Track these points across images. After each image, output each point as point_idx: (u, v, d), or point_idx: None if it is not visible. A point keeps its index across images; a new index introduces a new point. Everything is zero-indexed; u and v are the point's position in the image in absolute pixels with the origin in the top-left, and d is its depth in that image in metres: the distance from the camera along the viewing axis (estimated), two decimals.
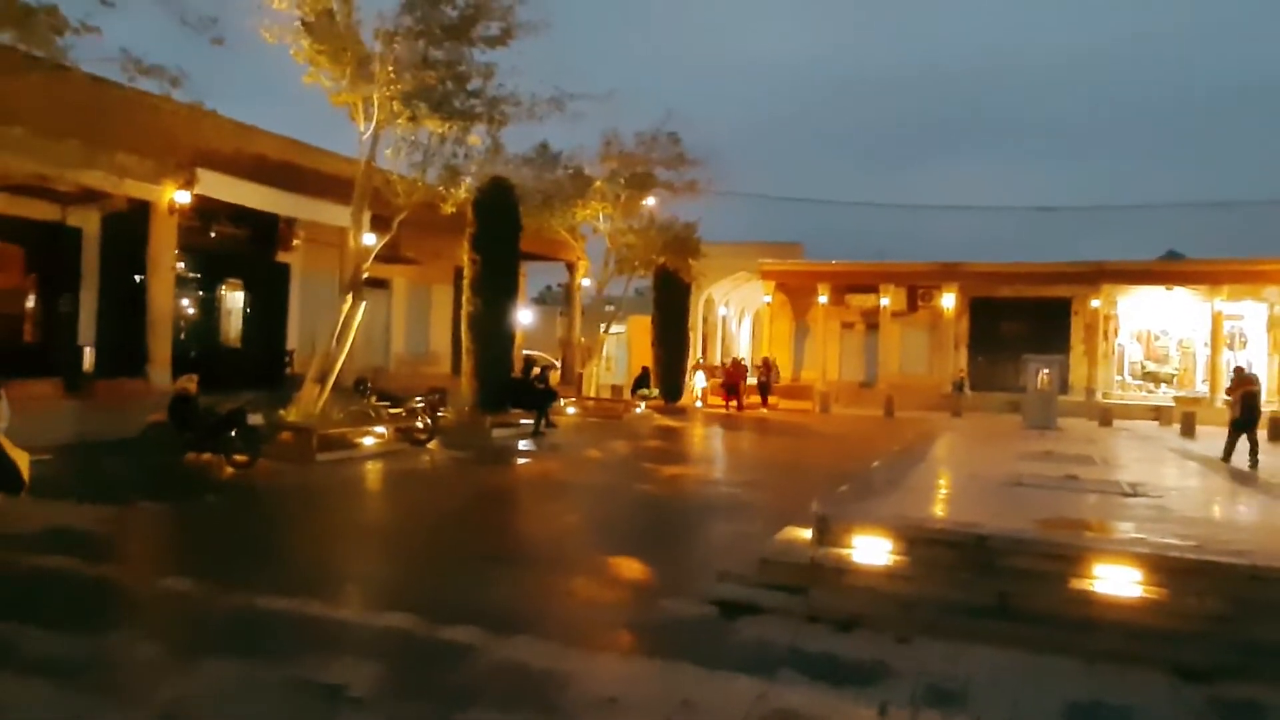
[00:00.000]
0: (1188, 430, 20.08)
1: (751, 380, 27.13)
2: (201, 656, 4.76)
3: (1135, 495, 8.13)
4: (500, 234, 18.12)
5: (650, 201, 24.34)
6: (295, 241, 18.72)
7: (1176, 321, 29.42)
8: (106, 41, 9.75)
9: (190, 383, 11.29)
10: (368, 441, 13.22)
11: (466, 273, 18.28)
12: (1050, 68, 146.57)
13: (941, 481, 9.60)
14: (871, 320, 31.13)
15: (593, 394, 25.47)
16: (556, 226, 22.43)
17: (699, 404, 27.00)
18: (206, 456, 11.19)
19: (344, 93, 12.96)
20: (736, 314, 36.53)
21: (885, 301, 30.10)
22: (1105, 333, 29.02)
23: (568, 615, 5.95)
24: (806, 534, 6.43)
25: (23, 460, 7.95)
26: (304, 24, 12.33)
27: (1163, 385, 29.08)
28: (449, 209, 15.15)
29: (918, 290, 30.84)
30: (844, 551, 5.97)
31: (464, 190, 15.34)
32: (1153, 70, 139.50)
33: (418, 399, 14.70)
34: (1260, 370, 27.76)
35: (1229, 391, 15.67)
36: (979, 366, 29.82)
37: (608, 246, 24.20)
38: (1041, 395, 19.02)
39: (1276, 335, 27.85)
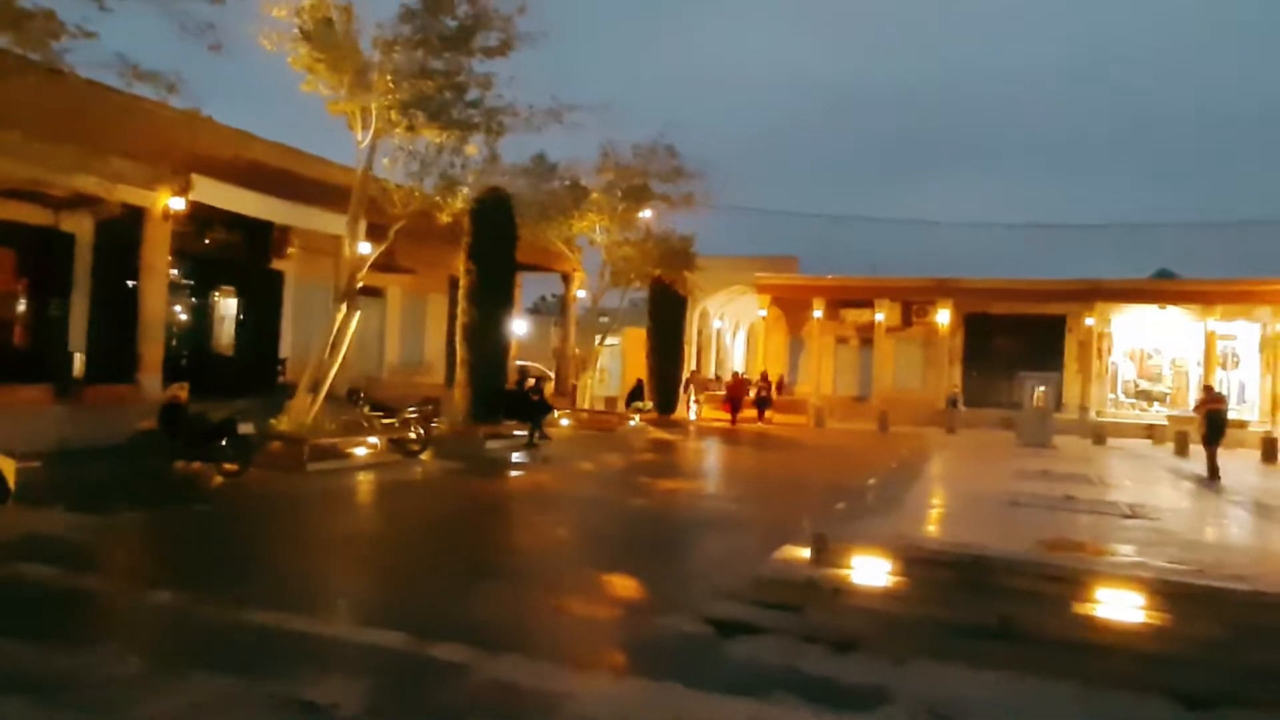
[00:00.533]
0: (1181, 449, 20.03)
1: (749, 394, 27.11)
2: (184, 672, 4.64)
3: (1134, 517, 8.08)
4: (497, 244, 18.07)
5: (647, 214, 24.33)
6: (290, 249, 18.63)
7: (1170, 340, 29.50)
8: (103, 46, 9.69)
9: (181, 390, 11.17)
10: (360, 452, 13.10)
11: (462, 283, 18.21)
12: (1050, 85, 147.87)
13: (938, 500, 9.54)
14: (866, 335, 31.13)
15: (587, 406, 25.37)
16: (552, 237, 22.39)
17: (692, 416, 26.93)
18: (196, 465, 11.06)
19: (342, 101, 12.91)
20: (731, 327, 36.53)
21: (880, 316, 30.11)
22: (1099, 350, 29.07)
23: (559, 633, 5.85)
24: (804, 553, 6.35)
25: (8, 468, 7.85)
26: (302, 32, 12.28)
27: (1155, 404, 29.13)
28: (445, 219, 15.08)
29: (912, 305, 30.87)
30: (842, 571, 5.89)
31: (461, 200, 15.26)
32: (1151, 89, 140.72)
33: (411, 409, 14.57)
34: (1253, 390, 27.99)
35: (1196, 409, 16.25)
36: (973, 382, 29.82)
37: (603, 258, 24.17)
38: (1037, 413, 19.02)
39: (1269, 355, 27.91)
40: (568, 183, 22.32)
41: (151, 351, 13.72)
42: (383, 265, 16.25)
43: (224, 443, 10.90)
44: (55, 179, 12.25)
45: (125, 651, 4.98)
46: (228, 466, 10.87)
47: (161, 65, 10.13)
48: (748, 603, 5.95)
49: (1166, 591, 5.28)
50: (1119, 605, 5.29)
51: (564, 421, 20.74)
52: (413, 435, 14.13)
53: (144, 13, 9.80)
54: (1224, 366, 27.63)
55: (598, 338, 26.39)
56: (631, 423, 23.00)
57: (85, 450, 11.60)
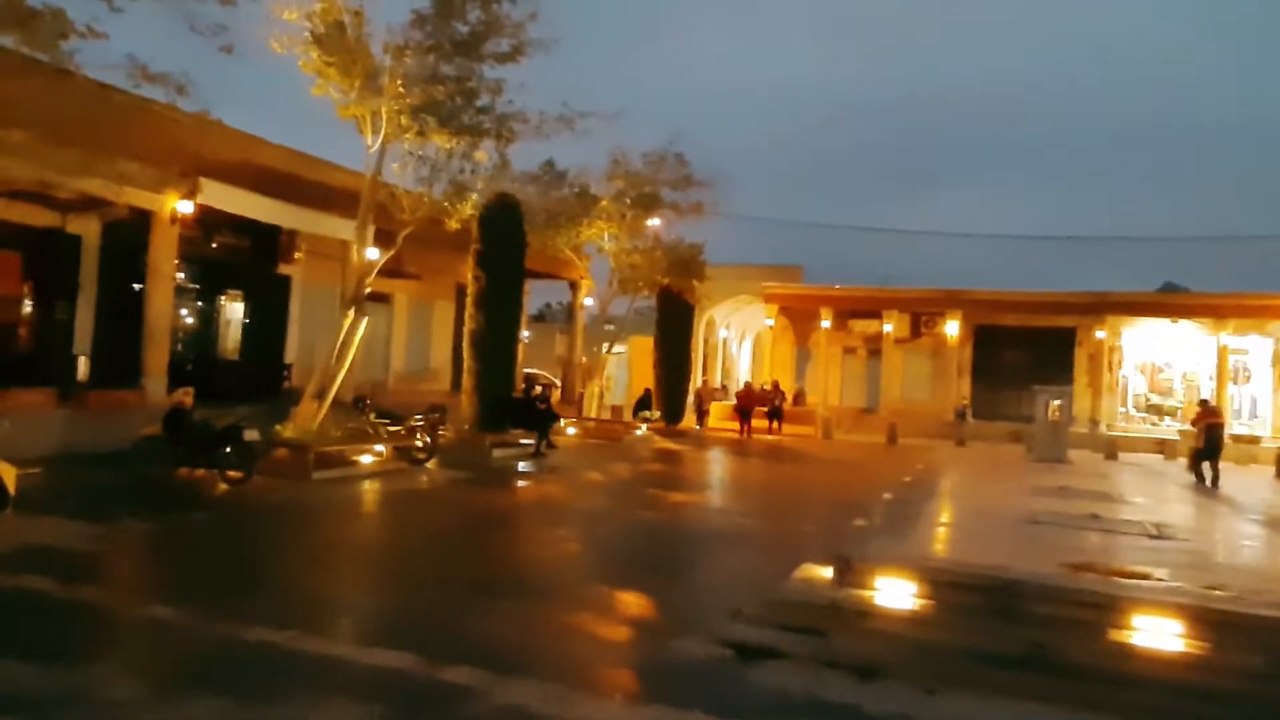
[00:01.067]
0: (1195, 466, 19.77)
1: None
2: (182, 693, 4.46)
3: (1161, 538, 7.85)
4: (505, 251, 17.93)
5: (655, 222, 24.19)
6: (297, 254, 18.51)
7: (1181, 354, 29.23)
8: (112, 47, 9.58)
9: (186, 396, 11.03)
10: (365, 460, 12.92)
11: (470, 289, 18.07)
12: (1058, 96, 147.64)
13: (958, 518, 9.32)
14: (874, 346, 30.87)
15: (593, 415, 25.17)
16: (561, 245, 22.26)
17: (698, 426, 26.71)
18: (200, 472, 10.90)
19: (352, 105, 12.80)
20: (737, 336, 36.30)
21: (888, 327, 29.87)
22: (1109, 364, 28.78)
23: (572, 654, 5.64)
24: (824, 572, 6.15)
25: (8, 474, 7.67)
26: (314, 35, 12.19)
27: (1166, 418, 28.83)
28: (454, 225, 14.96)
29: (921, 317, 30.60)
30: (865, 593, 5.69)
31: (470, 206, 15.15)
32: (1158, 101, 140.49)
33: (417, 417, 14.40)
34: (1265, 406, 27.68)
35: (1194, 422, 16.39)
36: (981, 395, 29.55)
37: (612, 266, 24.02)
38: (1051, 427, 18.76)
39: None
40: (577, 190, 22.20)
41: (156, 356, 13.58)
42: (390, 271, 16.13)
43: (228, 450, 10.74)
44: (62, 181, 12.12)
45: (121, 671, 4.79)
46: (232, 474, 10.70)
47: (171, 68, 10.03)
48: (768, 625, 5.75)
49: (1204, 619, 5.07)
50: (1155, 633, 5.08)
51: (570, 430, 20.54)
52: (419, 443, 13.95)
53: (155, 13, 9.69)
54: (1235, 381, 27.35)
55: (605, 346, 26.21)
56: (639, 432, 22.78)
57: (88, 456, 11.46)
